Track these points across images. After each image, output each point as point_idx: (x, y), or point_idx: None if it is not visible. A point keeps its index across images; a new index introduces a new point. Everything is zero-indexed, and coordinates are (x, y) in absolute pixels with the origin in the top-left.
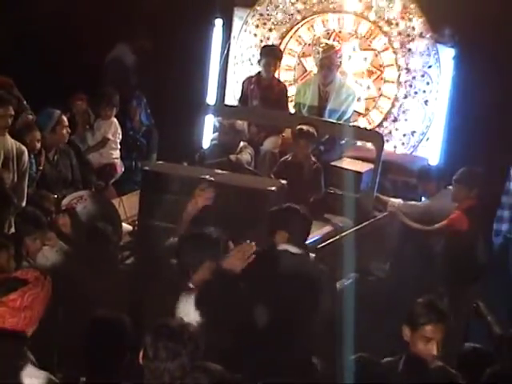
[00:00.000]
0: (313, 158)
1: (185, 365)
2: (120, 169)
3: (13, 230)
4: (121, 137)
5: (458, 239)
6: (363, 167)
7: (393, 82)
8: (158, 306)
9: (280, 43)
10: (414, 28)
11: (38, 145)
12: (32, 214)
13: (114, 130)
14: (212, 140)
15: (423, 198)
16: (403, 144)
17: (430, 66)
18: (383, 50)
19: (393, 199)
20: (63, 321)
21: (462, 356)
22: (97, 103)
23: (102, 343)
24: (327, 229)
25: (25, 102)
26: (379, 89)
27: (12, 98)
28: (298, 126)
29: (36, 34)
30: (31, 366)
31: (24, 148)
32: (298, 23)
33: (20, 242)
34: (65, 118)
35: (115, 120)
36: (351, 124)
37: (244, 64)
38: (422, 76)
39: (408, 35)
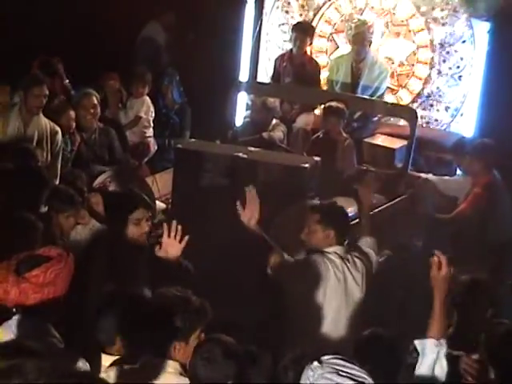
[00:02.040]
0: (344, 134)
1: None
2: (153, 147)
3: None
4: (153, 115)
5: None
6: (396, 143)
7: (426, 59)
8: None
9: (312, 20)
10: (448, 2)
11: (74, 124)
12: (65, 192)
13: (147, 109)
14: (245, 117)
15: (458, 172)
16: (437, 120)
17: (464, 41)
18: (417, 26)
19: (424, 175)
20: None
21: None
22: (129, 82)
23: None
24: None
25: (67, 81)
26: (412, 65)
27: (47, 78)
28: (327, 103)
29: (69, 13)
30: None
31: (58, 128)
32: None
33: (51, 220)
34: (92, 100)
35: (147, 98)
36: (384, 100)
37: (276, 41)
38: (456, 51)
39: (442, 10)
